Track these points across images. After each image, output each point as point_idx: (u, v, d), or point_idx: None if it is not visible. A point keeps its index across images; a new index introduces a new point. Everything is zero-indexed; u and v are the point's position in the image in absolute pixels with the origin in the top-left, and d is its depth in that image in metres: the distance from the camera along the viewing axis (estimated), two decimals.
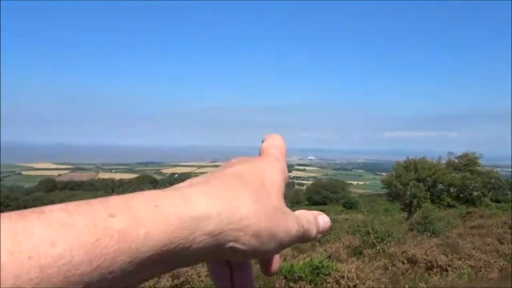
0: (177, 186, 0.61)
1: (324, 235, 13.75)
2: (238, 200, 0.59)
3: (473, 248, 9.98)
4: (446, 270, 8.44)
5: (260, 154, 0.71)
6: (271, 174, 0.66)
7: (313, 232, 0.67)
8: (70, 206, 0.52)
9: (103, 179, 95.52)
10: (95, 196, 0.61)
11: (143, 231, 0.53)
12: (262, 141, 0.71)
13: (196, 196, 0.58)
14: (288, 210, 0.65)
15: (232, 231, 0.58)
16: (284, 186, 0.67)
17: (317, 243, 12.59)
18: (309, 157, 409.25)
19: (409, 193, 34.77)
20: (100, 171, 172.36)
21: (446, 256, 9.06)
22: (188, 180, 0.63)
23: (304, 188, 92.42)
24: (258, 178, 0.64)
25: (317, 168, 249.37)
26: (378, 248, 11.01)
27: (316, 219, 0.69)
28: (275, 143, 0.71)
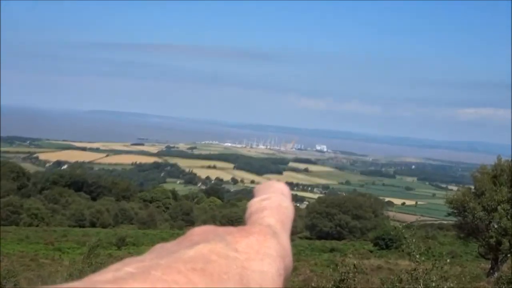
0: (104, 273, 0.42)
1: None
2: None
3: None
4: None
5: (246, 221, 0.46)
6: (259, 265, 0.43)
7: None
8: None
9: None
10: None
11: None
12: (252, 194, 0.46)
13: None
14: None
15: None
16: (282, 283, 0.43)
17: None
18: (318, 147, 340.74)
19: (496, 226, 22.16)
20: None
21: None
22: (121, 262, 0.44)
23: (304, 206, 65.41)
24: (234, 272, 0.42)
25: (330, 169, 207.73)
26: None
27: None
28: (272, 203, 0.47)
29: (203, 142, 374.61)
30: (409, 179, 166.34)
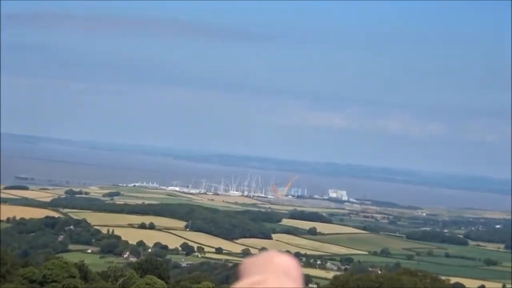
0: None
1: None
2: None
3: None
4: None
5: None
6: None
7: None
8: None
9: None
10: None
11: None
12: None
13: None
14: None
15: None
16: None
17: None
18: (333, 193, 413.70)
19: None
20: None
21: None
22: None
23: None
24: None
25: (355, 230, 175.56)
26: None
27: None
28: None
29: (132, 185, 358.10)
30: (490, 246, 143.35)
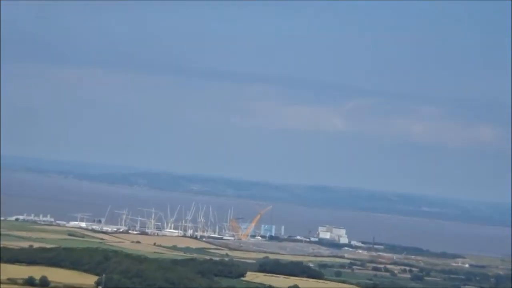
0: None
1: None
2: None
3: None
4: None
5: None
6: None
7: None
8: None
9: None
10: None
11: None
12: None
13: None
14: None
15: None
16: None
17: None
18: (324, 232, 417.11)
19: None
20: None
21: None
22: None
23: None
24: None
25: None
26: None
27: None
28: None
29: (14, 218, 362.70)
30: None
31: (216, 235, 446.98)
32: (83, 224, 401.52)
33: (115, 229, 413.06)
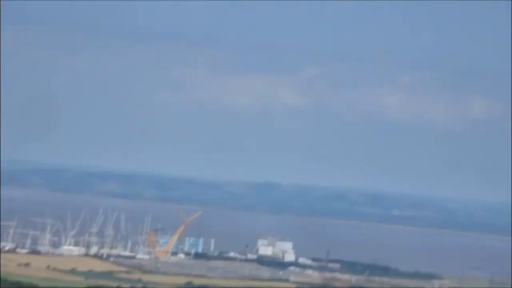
0: None
1: None
2: None
3: None
4: None
5: None
6: None
7: None
8: None
9: None
10: None
11: None
12: None
13: None
14: None
15: None
16: None
17: None
18: (267, 246, 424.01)
19: None
20: None
21: None
22: None
23: None
24: None
25: None
26: None
27: None
28: None
29: None
30: None
31: (127, 253, 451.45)
32: None
33: None
